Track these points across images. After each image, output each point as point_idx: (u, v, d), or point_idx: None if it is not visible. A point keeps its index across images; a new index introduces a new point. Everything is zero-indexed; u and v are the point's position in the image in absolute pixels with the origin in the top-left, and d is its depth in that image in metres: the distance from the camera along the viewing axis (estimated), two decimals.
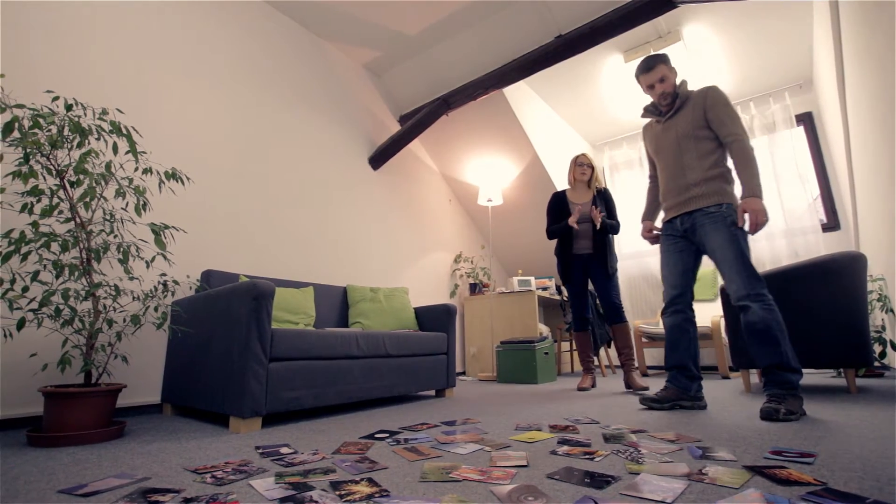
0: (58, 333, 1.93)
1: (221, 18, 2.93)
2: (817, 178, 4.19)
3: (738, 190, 1.92)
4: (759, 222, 1.76)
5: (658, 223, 2.33)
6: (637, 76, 2.12)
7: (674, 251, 2.09)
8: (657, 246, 4.80)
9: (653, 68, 2.05)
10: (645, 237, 2.27)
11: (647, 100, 4.54)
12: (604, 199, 3.04)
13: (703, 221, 1.94)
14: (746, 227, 1.83)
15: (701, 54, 3.95)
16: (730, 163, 1.97)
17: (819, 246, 3.95)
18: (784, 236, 4.16)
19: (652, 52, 3.72)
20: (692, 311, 2.07)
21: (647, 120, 2.35)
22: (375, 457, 1.24)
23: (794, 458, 1.10)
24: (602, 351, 4.65)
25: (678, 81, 2.10)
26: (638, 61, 3.87)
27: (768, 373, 1.77)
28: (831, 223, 4.07)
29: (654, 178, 2.33)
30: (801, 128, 4.33)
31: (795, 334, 2.33)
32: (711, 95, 1.97)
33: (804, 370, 3.88)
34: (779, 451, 1.17)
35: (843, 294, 2.24)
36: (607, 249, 2.92)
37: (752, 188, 1.80)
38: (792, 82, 4.34)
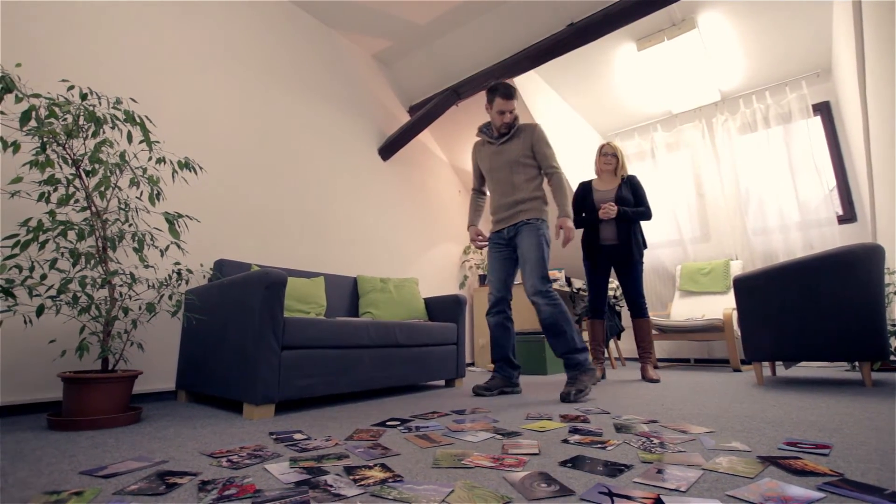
0: (75, 320, 1.96)
1: (232, 9, 2.93)
2: (834, 168, 4.11)
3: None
4: (569, 238, 2.21)
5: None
6: (493, 98, 2.34)
7: (499, 258, 2.42)
8: (670, 238, 4.83)
9: (512, 99, 2.32)
10: (473, 240, 2.51)
11: (661, 91, 4.48)
12: (631, 187, 3.00)
13: (523, 229, 2.32)
14: (560, 239, 2.24)
15: (716, 43, 3.87)
16: (545, 187, 2.44)
17: (835, 238, 3.89)
18: (798, 229, 4.09)
19: (667, 40, 3.67)
20: (510, 310, 2.43)
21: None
22: (388, 444, 1.25)
23: (809, 449, 1.09)
24: (611, 343, 4.63)
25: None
26: (652, 49, 3.83)
27: (564, 358, 2.18)
28: (848, 215, 4.00)
29: (478, 190, 2.64)
30: (818, 118, 4.24)
31: (809, 327, 2.31)
32: (538, 133, 2.36)
33: (818, 363, 3.85)
34: (793, 443, 1.16)
35: (860, 286, 2.20)
36: (632, 240, 2.90)
37: (567, 211, 2.25)
38: (809, 71, 4.24)
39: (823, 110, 4.23)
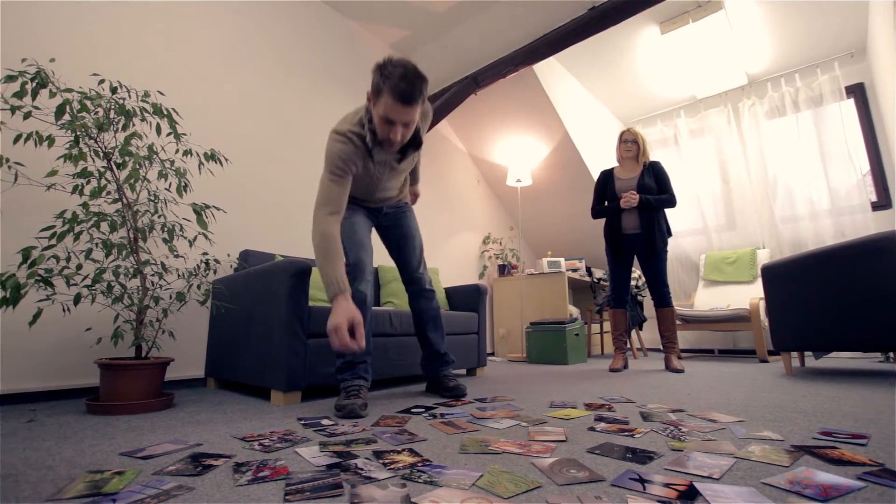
0: (110, 309, 2.02)
1: (254, 2, 2.94)
2: (867, 153, 3.96)
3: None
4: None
5: None
6: (379, 93, 1.53)
7: (364, 225, 1.90)
8: (694, 227, 4.72)
9: (413, 104, 1.50)
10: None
11: (685, 75, 4.36)
12: (654, 173, 2.94)
13: (405, 209, 2.06)
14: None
15: (744, 24, 3.74)
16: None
17: (868, 225, 3.75)
18: (829, 216, 3.96)
19: (692, 22, 3.56)
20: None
21: None
22: (414, 430, 1.27)
23: (845, 439, 1.07)
24: (633, 333, 4.59)
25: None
26: (676, 32, 3.71)
27: (444, 356, 2.03)
28: (882, 201, 3.85)
29: (339, 213, 1.67)
30: (851, 100, 4.08)
31: (841, 316, 2.24)
32: (419, 154, 1.96)
33: (850, 354, 3.74)
34: (828, 432, 1.13)
35: (894, 274, 2.13)
36: (655, 227, 2.83)
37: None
38: (843, 51, 4.07)
39: (857, 92, 4.07)
